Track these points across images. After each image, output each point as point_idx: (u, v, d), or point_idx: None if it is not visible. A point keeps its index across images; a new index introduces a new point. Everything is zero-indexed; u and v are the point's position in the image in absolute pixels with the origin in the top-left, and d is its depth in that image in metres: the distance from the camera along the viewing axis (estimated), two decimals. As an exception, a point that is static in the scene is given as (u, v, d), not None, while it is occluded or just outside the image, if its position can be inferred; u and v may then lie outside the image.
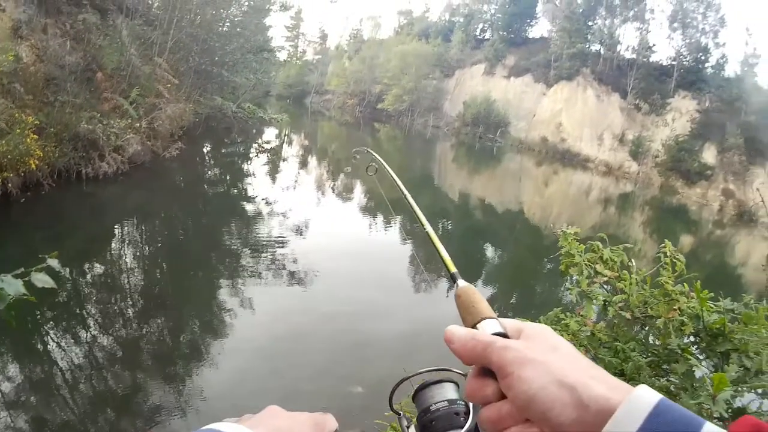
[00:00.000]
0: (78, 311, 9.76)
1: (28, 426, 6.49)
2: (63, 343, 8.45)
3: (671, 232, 30.58)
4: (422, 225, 1.21)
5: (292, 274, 12.72)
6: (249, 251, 14.55)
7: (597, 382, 0.59)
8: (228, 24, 34.41)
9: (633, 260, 3.51)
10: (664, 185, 47.37)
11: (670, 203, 42.94)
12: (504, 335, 0.71)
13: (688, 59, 54.48)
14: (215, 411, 7.02)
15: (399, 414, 0.89)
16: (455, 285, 0.86)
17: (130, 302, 10.47)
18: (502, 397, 0.65)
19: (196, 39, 28.42)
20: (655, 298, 3.15)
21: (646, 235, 29.45)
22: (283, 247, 14.86)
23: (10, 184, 12.91)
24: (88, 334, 8.90)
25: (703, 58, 53.79)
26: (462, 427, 0.79)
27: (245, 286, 11.69)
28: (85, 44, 18.63)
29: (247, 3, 35.50)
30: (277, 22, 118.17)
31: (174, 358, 8.68)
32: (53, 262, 2.55)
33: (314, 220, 18.00)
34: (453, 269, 0.92)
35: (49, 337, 8.65)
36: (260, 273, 12.77)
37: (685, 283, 3.19)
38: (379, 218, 21.22)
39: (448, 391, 0.84)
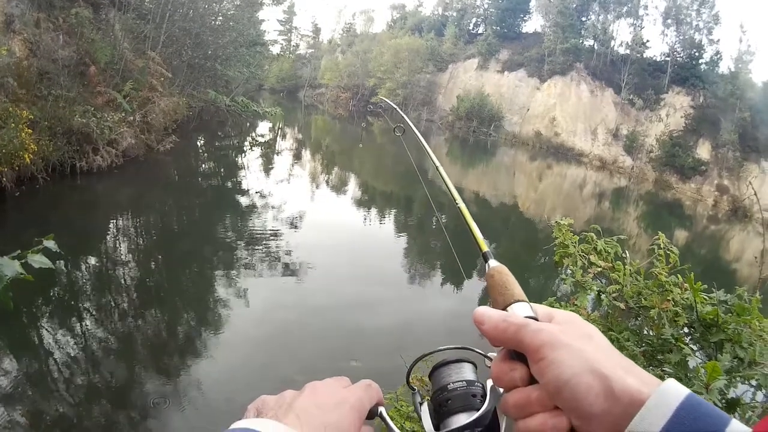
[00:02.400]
0: (72, 303, 9.76)
1: (22, 416, 6.49)
2: (58, 335, 8.44)
3: (665, 227, 30.30)
4: (454, 199, 1.12)
5: (286, 266, 12.74)
6: (243, 244, 14.55)
7: (628, 374, 0.58)
8: (221, 18, 34.27)
9: (627, 252, 3.53)
10: (658, 180, 47.39)
11: (664, 198, 42.99)
12: (535, 319, 0.69)
13: (682, 55, 54.50)
14: (210, 402, 7.03)
15: (414, 389, 0.87)
16: (487, 265, 0.84)
17: (125, 295, 10.46)
18: (530, 382, 0.65)
19: (189, 33, 28.32)
20: (649, 289, 3.17)
21: (640, 229, 29.49)
22: (276, 239, 14.86)
23: (4, 178, 12.89)
24: (83, 325, 8.90)
25: (697, 54, 53.76)
26: (478, 410, 0.76)
27: (239, 278, 11.70)
28: (77, 38, 18.55)
29: (239, -3, 35.40)
30: (270, 15, 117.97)
31: (168, 350, 8.69)
32: (50, 244, 2.54)
33: (308, 213, 18.05)
34: (485, 248, 0.89)
35: (43, 328, 8.64)
36: (254, 265, 12.78)
37: (678, 275, 3.21)
38: (373, 211, 21.25)
39: (467, 372, 0.82)
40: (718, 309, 2.84)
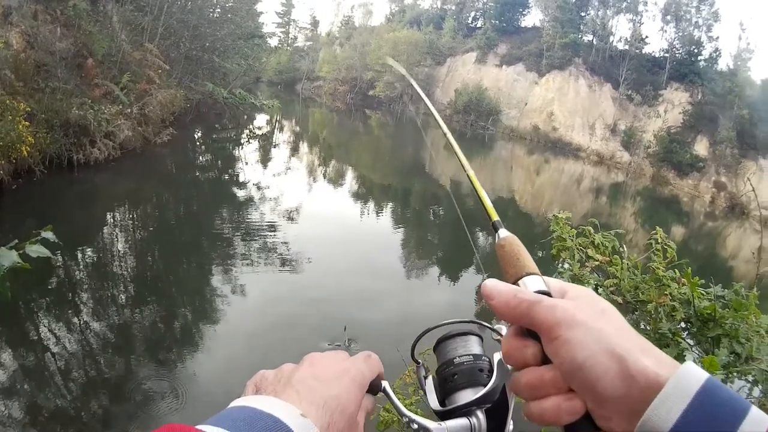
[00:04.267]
0: (70, 296, 9.76)
1: (19, 408, 6.49)
2: (55, 327, 8.45)
3: (663, 223, 30.37)
4: (463, 167, 1.06)
5: (283, 258, 12.74)
6: (240, 236, 14.54)
7: (645, 355, 0.56)
8: (219, 10, 34.27)
9: (624, 246, 3.53)
10: (655, 176, 47.40)
11: (661, 194, 43.00)
12: (547, 294, 0.66)
13: (680, 52, 54.47)
14: (208, 394, 7.04)
15: (419, 363, 0.85)
16: (497, 235, 0.80)
17: (122, 287, 10.47)
18: (543, 361, 0.63)
19: (187, 25, 28.30)
20: (646, 284, 3.17)
21: (637, 224, 29.49)
22: (274, 231, 14.87)
23: (1, 171, 12.88)
24: (80, 318, 8.90)
25: (696, 51, 53.76)
26: (485, 385, 0.74)
27: (237, 270, 11.69)
28: (75, 30, 18.52)
29: (237, -11, 35.36)
30: (268, 8, 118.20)
31: (166, 342, 8.70)
32: (48, 234, 2.53)
33: (305, 205, 18.07)
34: (495, 217, 0.85)
35: (41, 320, 8.65)
36: (252, 258, 12.77)
37: (675, 270, 3.21)
38: (371, 203, 21.26)
39: (474, 345, 0.80)
40: (716, 304, 2.84)
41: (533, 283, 0.68)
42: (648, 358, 0.56)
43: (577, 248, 3.42)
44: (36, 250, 2.48)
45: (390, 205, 22.08)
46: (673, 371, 0.54)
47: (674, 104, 50.43)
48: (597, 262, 3.37)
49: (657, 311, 2.98)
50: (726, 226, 35.75)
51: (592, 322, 0.59)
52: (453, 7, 76.03)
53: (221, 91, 31.70)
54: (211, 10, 33.25)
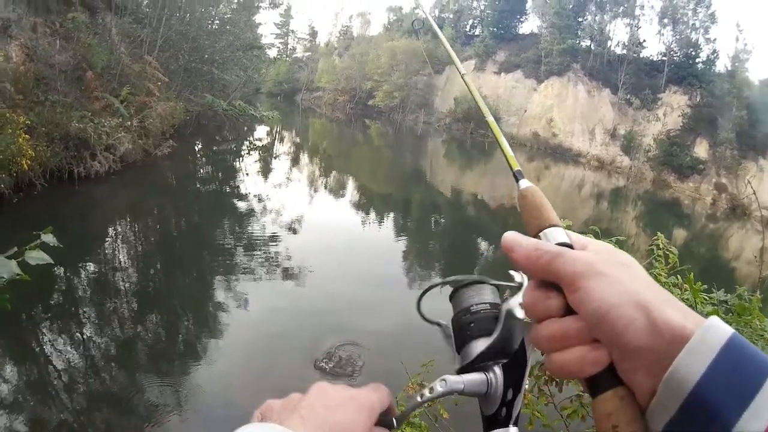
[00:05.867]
0: (72, 309, 9.74)
1: (21, 422, 6.48)
2: (56, 340, 8.43)
3: (664, 226, 30.56)
4: (482, 114, 1.03)
5: (285, 270, 12.71)
6: (242, 248, 14.53)
7: (670, 307, 0.56)
8: (217, 22, 34.34)
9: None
10: (656, 180, 47.46)
11: (662, 197, 43.02)
12: (569, 246, 0.65)
13: (678, 55, 54.68)
14: (210, 407, 7.02)
15: (440, 324, 0.84)
16: (518, 185, 0.78)
17: (124, 300, 10.45)
18: (566, 312, 0.61)
19: (186, 37, 28.35)
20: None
21: (639, 229, 29.49)
22: (275, 243, 14.84)
23: (2, 185, 12.87)
24: (82, 331, 8.89)
25: (693, 53, 53.98)
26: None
27: (238, 282, 11.66)
28: (74, 43, 18.56)
29: (236, 0, 35.42)
30: (267, 19, 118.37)
31: (168, 355, 8.68)
32: (48, 238, 2.49)
33: (306, 216, 18.00)
34: (516, 166, 0.83)
35: (42, 332, 8.64)
36: (253, 270, 12.74)
37: (678, 275, 3.19)
38: (372, 214, 21.25)
39: (489, 294, 0.79)
40: (719, 309, 2.83)
41: (555, 235, 0.68)
42: (674, 309, 0.55)
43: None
44: (36, 257, 2.43)
45: (391, 214, 22.05)
46: (698, 324, 0.53)
47: (673, 107, 50.54)
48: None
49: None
50: (728, 228, 35.76)
51: (615, 273, 0.59)
52: (451, 16, 76.34)
53: (221, 102, 31.73)
54: (210, 21, 33.35)
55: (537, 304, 0.64)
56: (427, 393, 0.71)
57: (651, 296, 0.57)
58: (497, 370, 0.73)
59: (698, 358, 0.51)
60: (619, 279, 0.58)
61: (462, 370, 0.75)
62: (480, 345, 0.74)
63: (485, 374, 0.73)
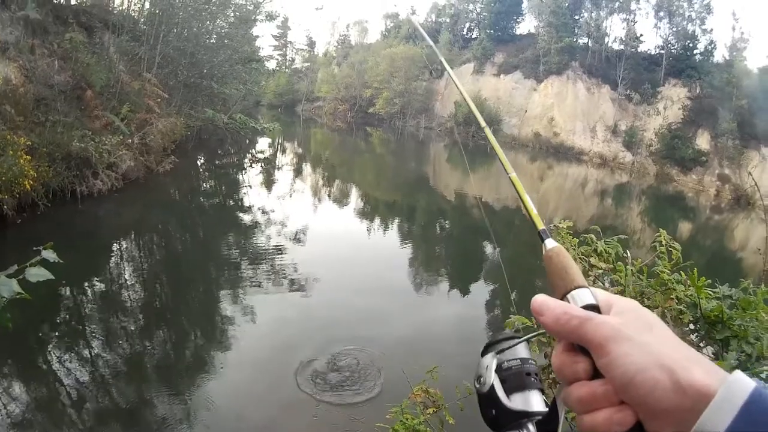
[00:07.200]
0: (78, 327, 9.75)
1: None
2: (62, 357, 8.43)
3: (669, 220, 30.62)
4: (505, 169, 1.03)
5: (291, 281, 12.70)
6: (247, 261, 14.53)
7: (694, 365, 0.57)
8: (215, 36, 34.40)
9: (628, 251, 3.50)
10: (659, 173, 47.48)
11: (666, 191, 43.00)
12: (596, 307, 0.68)
13: (676, 47, 54.70)
14: (220, 420, 7.02)
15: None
16: (543, 245, 0.79)
17: (131, 316, 10.44)
18: (594, 375, 0.63)
19: (184, 53, 28.40)
20: (652, 288, 3.14)
21: (644, 224, 29.45)
22: (281, 255, 14.83)
23: (5, 206, 12.90)
24: (89, 348, 8.89)
25: (691, 45, 53.98)
26: (534, 389, 0.78)
27: (245, 296, 11.65)
28: (73, 63, 18.60)
29: (233, 14, 35.48)
30: (265, 31, 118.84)
31: (176, 369, 8.68)
32: (48, 254, 2.47)
33: (311, 227, 18.02)
34: (541, 225, 0.83)
35: (47, 350, 8.64)
36: (260, 282, 12.74)
37: (682, 272, 3.18)
38: (376, 222, 21.25)
39: (521, 350, 0.82)
40: (723, 305, 2.81)
41: (582, 297, 0.69)
42: (697, 368, 0.57)
43: (580, 257, 3.40)
44: (36, 274, 2.42)
45: (396, 221, 22.04)
46: (722, 381, 0.55)
47: (673, 100, 50.56)
48: (600, 270, 3.34)
49: (664, 316, 2.95)
50: (732, 218, 35.72)
51: (640, 337, 0.61)
52: (447, 20, 76.58)
53: (221, 116, 31.82)
54: (208, 36, 33.39)
55: (565, 368, 0.66)
56: None
57: (675, 356, 0.58)
58: (531, 427, 0.76)
59: (721, 415, 0.53)
60: (645, 342, 0.60)
61: (496, 425, 0.78)
62: (514, 399, 0.77)
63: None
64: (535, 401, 0.80)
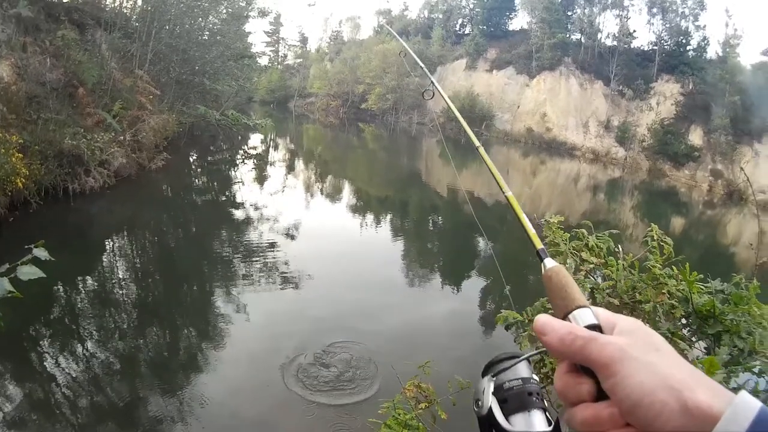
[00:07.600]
0: (72, 325, 9.72)
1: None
2: (59, 356, 8.42)
3: (662, 215, 30.69)
4: (501, 188, 1.06)
5: (284, 278, 12.70)
6: (240, 257, 14.51)
7: (700, 387, 0.57)
8: (207, 33, 34.32)
9: (620, 246, 3.50)
10: (652, 169, 47.52)
11: (659, 186, 43.06)
12: (598, 327, 0.67)
13: (669, 43, 54.70)
14: (215, 418, 7.01)
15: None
16: (542, 265, 0.79)
17: (124, 314, 10.43)
18: (598, 397, 0.63)
19: (176, 49, 28.33)
20: (644, 283, 3.15)
21: (636, 219, 29.51)
22: (273, 251, 14.82)
23: (-3, 205, 12.87)
24: (82, 346, 8.87)
25: (684, 41, 53.98)
26: (536, 408, 0.77)
27: (238, 292, 11.63)
28: (65, 60, 18.54)
29: (225, 11, 35.40)
30: (257, 28, 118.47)
31: (170, 366, 8.66)
32: (39, 252, 2.46)
33: (303, 223, 18.04)
34: (539, 245, 0.83)
35: (41, 349, 8.61)
36: (253, 278, 12.72)
37: (674, 266, 3.19)
38: (369, 217, 21.24)
39: (522, 369, 0.81)
40: (715, 299, 2.82)
41: (583, 316, 0.69)
42: (702, 389, 0.56)
43: (571, 252, 3.40)
44: (27, 272, 2.41)
45: (389, 216, 22.05)
46: (728, 402, 0.54)
47: (666, 96, 50.56)
48: (591, 265, 3.35)
49: (656, 310, 2.96)
50: (725, 214, 35.78)
51: (646, 358, 0.60)
52: (440, 16, 76.39)
53: (213, 113, 31.75)
54: (200, 33, 33.32)
55: (569, 389, 0.65)
56: None
57: (681, 378, 0.57)
58: None
59: None
60: (651, 363, 0.59)
61: None
62: (516, 420, 0.77)
63: None
64: (537, 421, 0.79)
